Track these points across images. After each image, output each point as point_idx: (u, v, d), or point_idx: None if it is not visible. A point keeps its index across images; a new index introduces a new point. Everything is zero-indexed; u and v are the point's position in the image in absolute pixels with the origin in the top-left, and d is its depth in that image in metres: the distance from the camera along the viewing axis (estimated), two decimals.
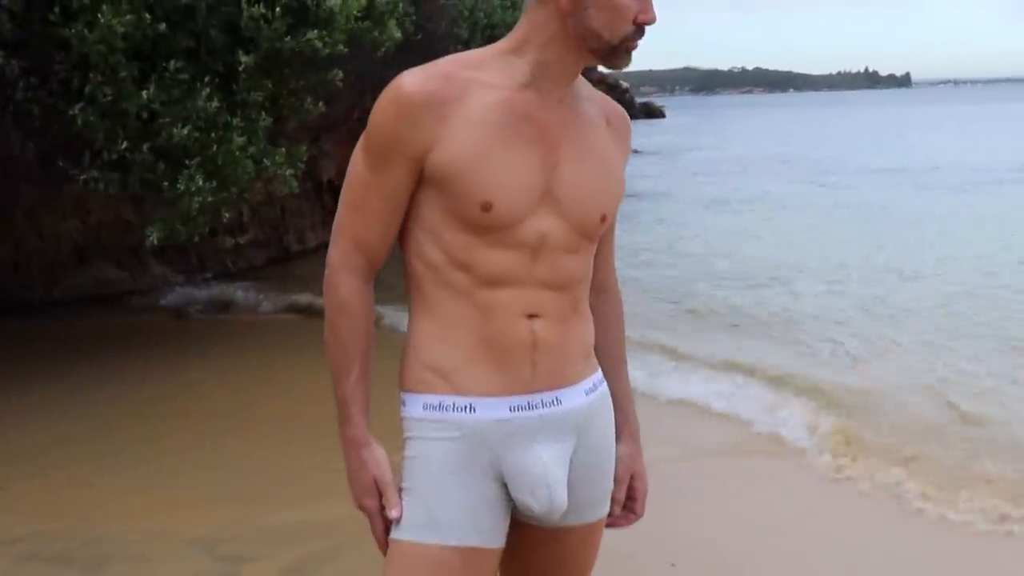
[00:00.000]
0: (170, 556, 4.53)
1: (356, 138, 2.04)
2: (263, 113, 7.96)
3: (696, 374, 7.74)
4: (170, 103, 7.34)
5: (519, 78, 1.99)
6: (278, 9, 7.46)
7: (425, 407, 2.01)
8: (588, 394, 2.09)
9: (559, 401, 2.04)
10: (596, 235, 2.08)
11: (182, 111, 7.32)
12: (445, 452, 1.99)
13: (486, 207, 1.93)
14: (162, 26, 7.07)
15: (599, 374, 2.15)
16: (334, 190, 13.14)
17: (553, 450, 2.04)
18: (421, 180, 1.97)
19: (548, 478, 2.02)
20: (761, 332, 9.34)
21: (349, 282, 2.02)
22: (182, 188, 7.42)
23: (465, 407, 1.99)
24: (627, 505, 2.24)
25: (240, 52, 7.47)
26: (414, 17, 10.51)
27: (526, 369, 2.00)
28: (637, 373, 7.18)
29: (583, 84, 2.12)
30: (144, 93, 7.16)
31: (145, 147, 7.39)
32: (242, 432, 6.44)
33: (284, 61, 7.77)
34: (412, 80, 1.93)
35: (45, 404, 7.15)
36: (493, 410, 1.99)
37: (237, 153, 7.60)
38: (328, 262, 2.04)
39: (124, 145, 7.24)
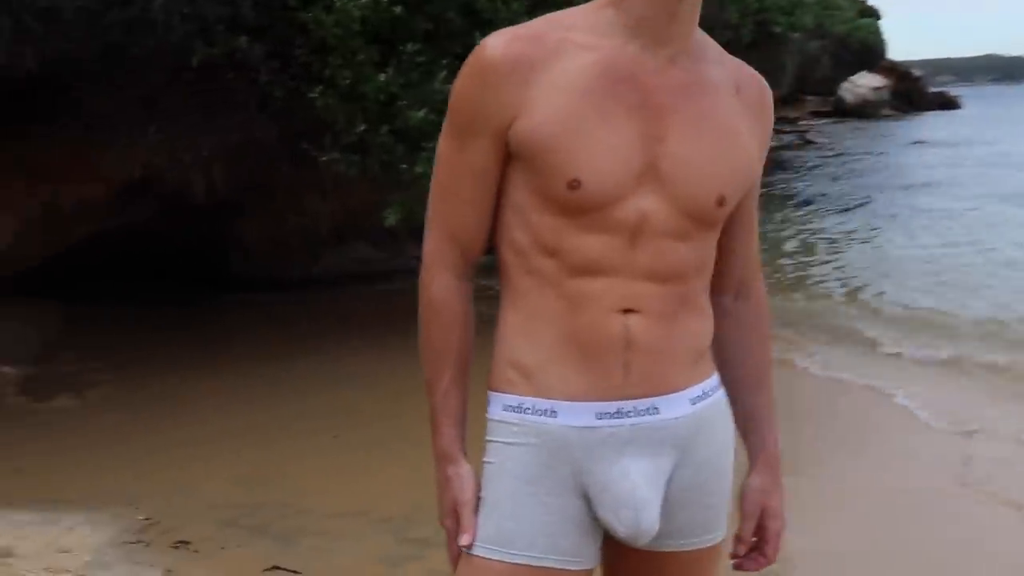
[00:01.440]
0: (360, 535, 4.52)
1: None
2: None
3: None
4: (408, 86, 7.41)
5: (618, 34, 1.73)
6: None
7: (505, 408, 1.79)
8: (695, 403, 1.81)
9: (656, 410, 1.77)
10: (712, 220, 1.79)
11: (419, 94, 7.38)
12: (521, 460, 1.77)
13: (573, 184, 1.69)
14: (398, 9, 7.12)
15: (713, 380, 1.86)
16: None
17: (644, 465, 1.77)
18: (508, 156, 1.74)
19: (635, 497, 1.76)
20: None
21: (441, 278, 1.82)
22: (420, 170, 7.47)
23: (546, 411, 1.76)
24: (757, 546, 1.94)
25: (477, 35, 7.43)
26: None
27: (617, 372, 1.74)
28: None
29: (710, 46, 1.83)
30: (382, 76, 7.25)
31: (384, 130, 7.49)
32: None
33: None
34: (495, 43, 1.72)
35: (291, 378, 7.39)
36: (577, 416, 1.75)
37: None
38: (422, 257, 1.84)
39: (362, 128, 7.36)
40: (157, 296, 8.74)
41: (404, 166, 7.58)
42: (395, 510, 4.75)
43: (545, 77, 1.70)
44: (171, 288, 8.83)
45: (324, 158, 7.60)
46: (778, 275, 11.08)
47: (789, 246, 13.64)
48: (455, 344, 1.82)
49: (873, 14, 47.93)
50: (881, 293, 10.33)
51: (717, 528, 1.87)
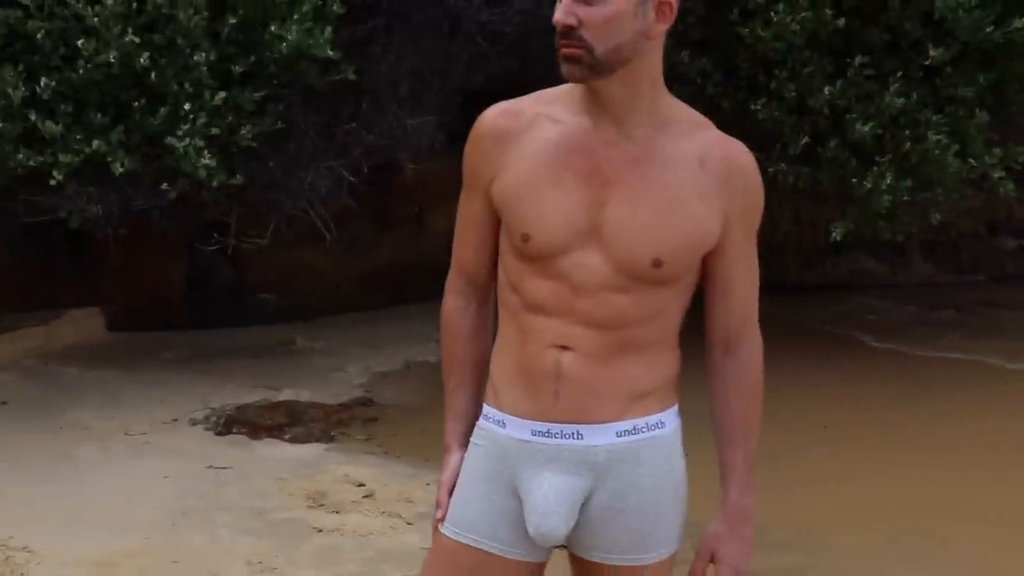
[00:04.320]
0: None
1: None
2: (977, 110, 7.48)
3: None
4: (861, 99, 7.28)
5: (581, 111, 2.07)
6: None
7: (482, 415, 2.22)
8: (622, 436, 2.11)
9: (580, 435, 2.09)
10: (652, 279, 2.06)
11: (869, 107, 7.23)
12: (479, 460, 2.20)
13: (525, 238, 2.05)
14: (841, 21, 7.00)
15: (655, 418, 2.14)
16: None
17: (560, 482, 2.10)
18: None
19: (543, 506, 2.10)
20: None
21: (450, 300, 2.27)
22: (868, 185, 7.34)
23: (500, 421, 2.17)
24: None
25: (931, 45, 7.10)
26: None
27: (549, 398, 2.09)
28: None
29: (682, 121, 2.13)
30: (827, 89, 7.17)
31: (832, 143, 7.42)
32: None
33: (988, 53, 7.24)
34: (487, 114, 2.15)
35: None
36: (519, 430, 2.13)
37: (936, 152, 7.29)
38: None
39: (804, 140, 7.36)
40: None
41: (854, 180, 7.47)
42: None
43: (517, 147, 2.08)
44: None
45: (771, 169, 7.69)
46: None
47: None
48: (459, 354, 2.27)
49: None
50: None
51: (643, 551, 2.15)
